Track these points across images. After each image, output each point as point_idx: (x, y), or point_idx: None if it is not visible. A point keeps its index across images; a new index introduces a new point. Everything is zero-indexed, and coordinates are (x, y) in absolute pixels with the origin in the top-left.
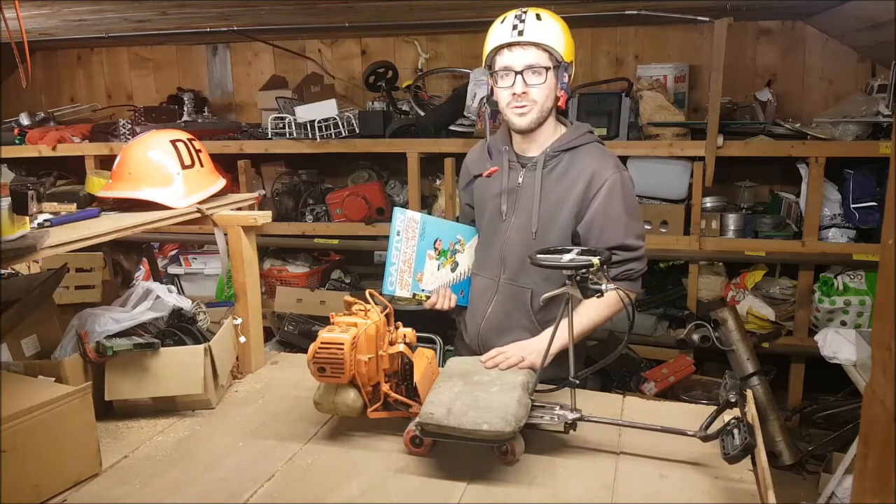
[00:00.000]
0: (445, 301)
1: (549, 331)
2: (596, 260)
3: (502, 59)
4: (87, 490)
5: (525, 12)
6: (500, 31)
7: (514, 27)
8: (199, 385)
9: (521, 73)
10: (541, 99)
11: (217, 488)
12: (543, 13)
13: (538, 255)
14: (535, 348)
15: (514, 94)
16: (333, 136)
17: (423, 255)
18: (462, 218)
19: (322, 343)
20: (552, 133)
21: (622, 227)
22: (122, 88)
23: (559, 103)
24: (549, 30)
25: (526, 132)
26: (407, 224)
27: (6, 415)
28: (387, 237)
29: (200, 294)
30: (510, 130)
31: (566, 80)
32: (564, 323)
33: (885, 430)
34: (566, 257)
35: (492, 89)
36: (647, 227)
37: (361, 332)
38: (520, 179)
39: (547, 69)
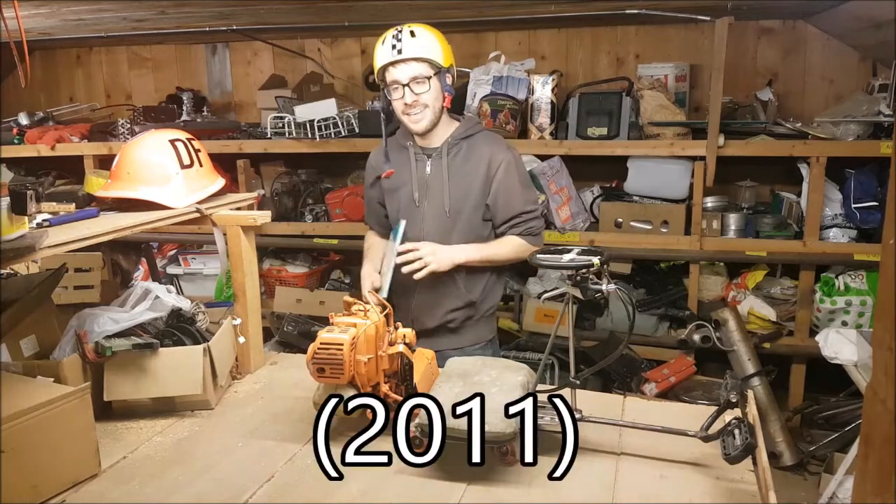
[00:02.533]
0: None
1: (460, 246)
2: (596, 260)
3: (390, 75)
4: (86, 490)
5: (401, 31)
6: (382, 51)
7: (394, 46)
8: (198, 385)
9: (407, 85)
10: (430, 102)
11: (216, 489)
12: (417, 28)
13: (538, 255)
14: (445, 255)
15: (406, 103)
16: (333, 135)
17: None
18: (371, 215)
19: (321, 343)
20: (447, 126)
21: (521, 198)
22: (121, 88)
23: (445, 103)
24: (424, 43)
25: (424, 133)
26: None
27: (5, 415)
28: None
29: (199, 294)
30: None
31: (449, 82)
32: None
33: (886, 430)
34: (566, 257)
35: (388, 101)
36: (648, 227)
37: (361, 332)
38: (428, 169)
39: (428, 77)
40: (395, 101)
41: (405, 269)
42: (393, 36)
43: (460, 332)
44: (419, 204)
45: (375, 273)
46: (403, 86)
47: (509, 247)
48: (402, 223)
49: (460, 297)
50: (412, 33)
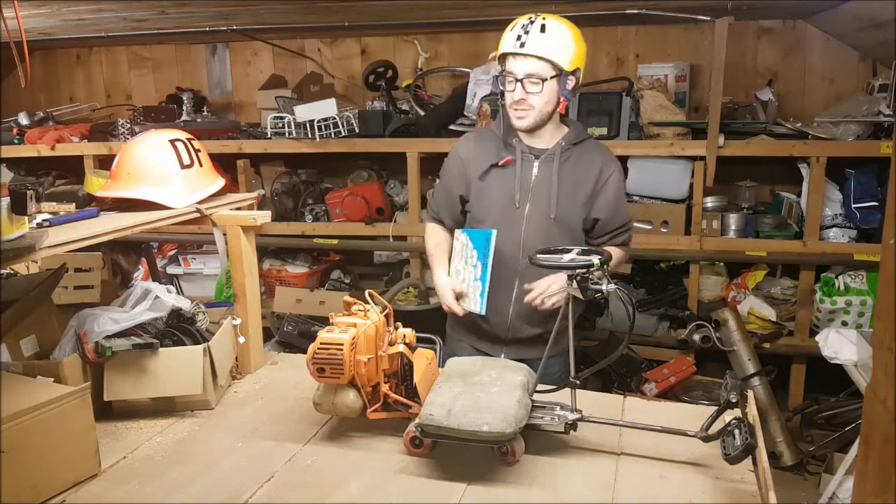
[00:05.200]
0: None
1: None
2: (596, 260)
3: (508, 65)
4: (86, 490)
5: (532, 22)
6: (507, 38)
7: (518, 38)
8: (198, 385)
9: (521, 80)
10: (538, 105)
11: (216, 489)
12: (552, 22)
13: (538, 255)
14: (560, 278)
15: (514, 99)
16: (333, 135)
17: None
18: (445, 206)
19: (321, 343)
20: (556, 130)
21: (625, 209)
22: (121, 88)
23: (559, 109)
24: (552, 42)
25: (526, 131)
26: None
27: (5, 415)
28: (386, 237)
29: (199, 294)
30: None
31: (570, 86)
32: None
33: (886, 430)
34: (566, 257)
35: (502, 89)
36: (648, 227)
37: (361, 332)
38: (535, 170)
39: (545, 79)
40: (508, 91)
41: (539, 306)
42: (522, 25)
43: (554, 341)
44: (519, 206)
45: (455, 280)
46: (517, 80)
47: (616, 258)
48: (494, 233)
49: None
50: (542, 28)
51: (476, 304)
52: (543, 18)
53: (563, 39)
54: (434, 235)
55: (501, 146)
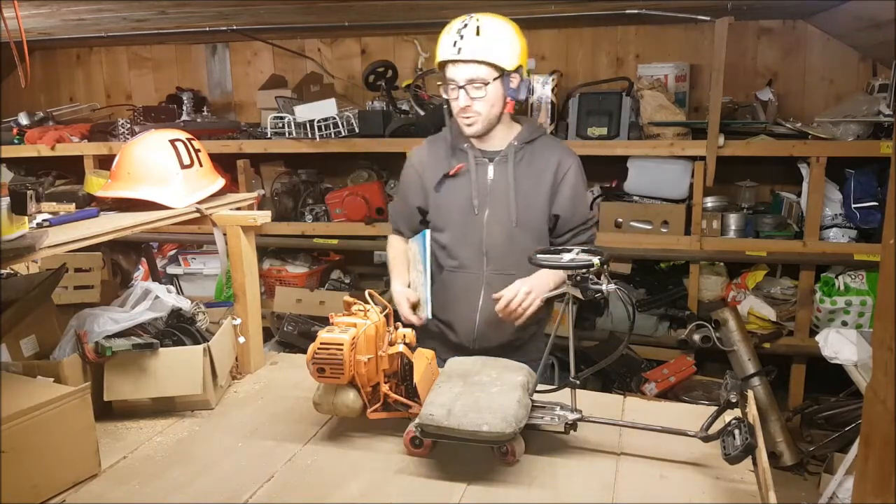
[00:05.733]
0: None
1: (545, 272)
2: (596, 260)
3: (448, 73)
4: (86, 490)
5: (466, 25)
6: (443, 44)
7: (455, 43)
8: (198, 385)
9: (463, 87)
10: (484, 110)
11: (216, 489)
12: (486, 22)
13: (538, 255)
14: (537, 284)
15: (460, 107)
16: (333, 135)
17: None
18: (403, 219)
19: (321, 343)
20: (508, 130)
21: (585, 205)
22: (121, 88)
23: (507, 109)
24: (489, 43)
25: (476, 137)
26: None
27: (5, 415)
28: (386, 237)
29: (199, 294)
30: None
31: (514, 85)
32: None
33: (886, 430)
34: (566, 257)
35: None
36: (648, 227)
37: (361, 332)
38: (490, 174)
39: (487, 83)
40: (452, 99)
41: (511, 321)
42: (457, 30)
43: (523, 349)
44: (479, 212)
45: (410, 291)
46: (460, 87)
47: None
48: (427, 233)
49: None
50: (477, 30)
51: (424, 309)
52: (477, 20)
53: (500, 39)
54: (393, 248)
55: (451, 153)
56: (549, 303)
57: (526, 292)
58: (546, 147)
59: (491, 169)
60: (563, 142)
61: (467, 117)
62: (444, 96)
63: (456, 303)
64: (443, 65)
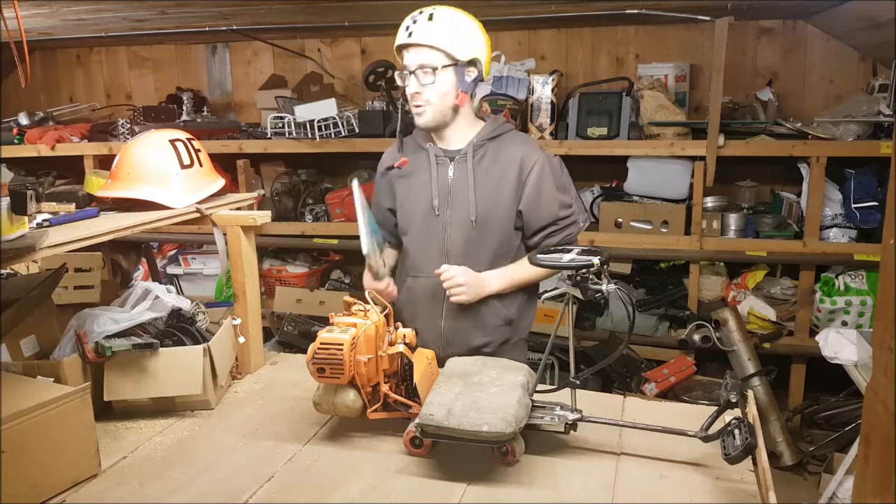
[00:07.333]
0: (394, 288)
1: (494, 273)
2: (596, 260)
3: (402, 60)
4: (86, 490)
5: (422, 13)
6: (399, 31)
7: (407, 28)
8: (198, 385)
9: (413, 72)
10: (434, 99)
11: (216, 489)
12: (442, 11)
13: (538, 256)
14: (475, 283)
15: (410, 93)
16: (333, 135)
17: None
18: (381, 224)
19: (321, 344)
20: (469, 128)
21: (556, 203)
22: (121, 88)
23: (459, 102)
24: (442, 30)
25: (429, 130)
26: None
27: (5, 415)
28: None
29: (199, 294)
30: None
31: (469, 78)
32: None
33: (886, 430)
34: (566, 257)
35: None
36: (648, 227)
37: (361, 332)
38: (450, 173)
39: (435, 69)
40: (406, 87)
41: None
42: (411, 17)
43: (497, 356)
44: (439, 212)
45: (371, 278)
46: (410, 73)
47: (543, 270)
48: (355, 182)
49: (498, 316)
50: (430, 17)
51: (378, 267)
52: (434, 8)
53: (454, 28)
54: None
55: (415, 153)
56: (530, 308)
57: (458, 283)
58: (512, 144)
59: (451, 168)
60: (532, 138)
61: (417, 105)
62: (399, 83)
63: (422, 309)
64: (399, 52)
